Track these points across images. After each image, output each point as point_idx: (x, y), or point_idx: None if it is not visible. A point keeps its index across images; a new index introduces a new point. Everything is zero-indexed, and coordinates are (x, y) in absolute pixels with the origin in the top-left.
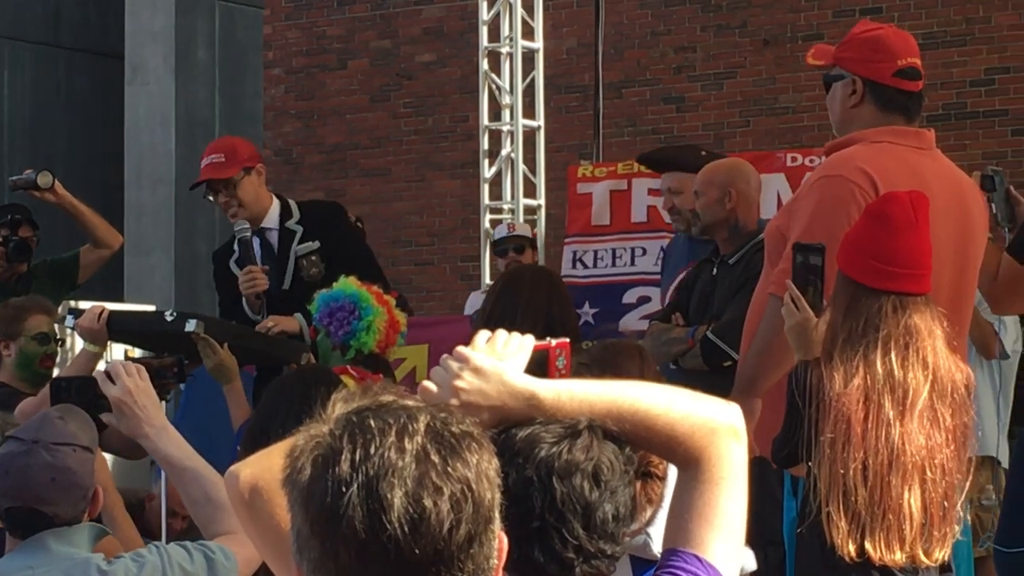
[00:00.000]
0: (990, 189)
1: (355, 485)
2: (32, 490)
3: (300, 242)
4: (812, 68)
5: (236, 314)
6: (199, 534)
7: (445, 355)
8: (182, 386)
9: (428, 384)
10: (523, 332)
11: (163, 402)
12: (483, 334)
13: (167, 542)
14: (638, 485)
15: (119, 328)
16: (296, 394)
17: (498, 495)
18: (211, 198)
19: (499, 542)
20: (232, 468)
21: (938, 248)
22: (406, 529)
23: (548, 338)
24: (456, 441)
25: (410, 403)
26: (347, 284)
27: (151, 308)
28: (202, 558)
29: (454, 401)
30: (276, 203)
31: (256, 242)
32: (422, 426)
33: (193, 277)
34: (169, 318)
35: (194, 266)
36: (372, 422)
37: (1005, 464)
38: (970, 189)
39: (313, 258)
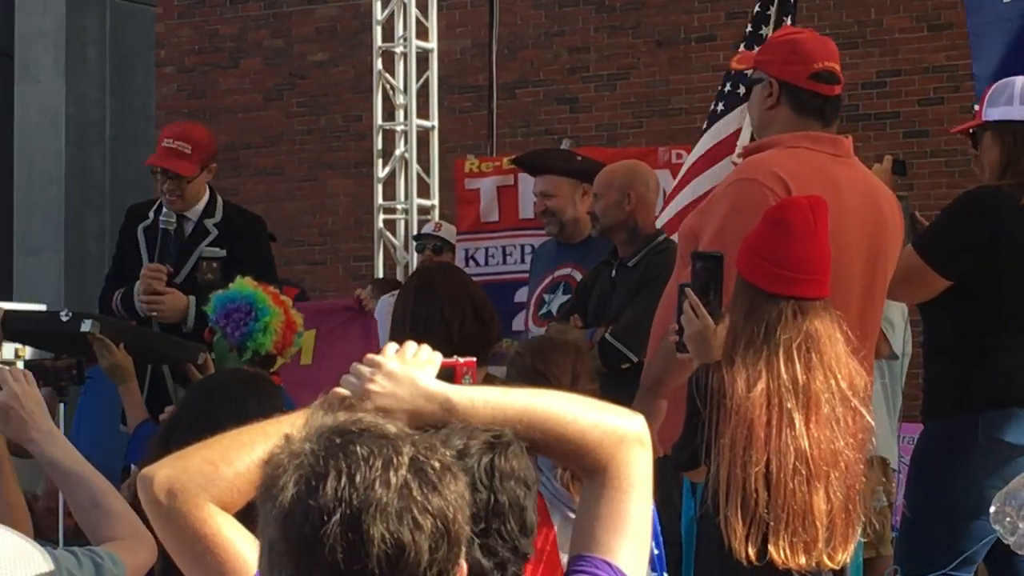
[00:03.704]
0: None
1: (337, 515)
2: None
3: (209, 244)
4: (705, 69)
5: (123, 278)
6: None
7: (355, 363)
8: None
9: (340, 390)
10: (453, 324)
11: (61, 403)
12: (391, 345)
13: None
14: (566, 476)
15: (14, 328)
16: (234, 399)
17: (467, 528)
18: (157, 176)
19: (459, 571)
20: (145, 471)
21: (849, 255)
22: (383, 564)
23: (455, 356)
24: (437, 478)
25: (391, 429)
26: (243, 285)
27: (42, 307)
28: (90, 564)
29: (368, 404)
30: (206, 197)
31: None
32: (406, 459)
33: (83, 276)
34: (64, 318)
35: (84, 265)
36: (357, 448)
37: (894, 464)
38: (886, 198)
39: (214, 264)
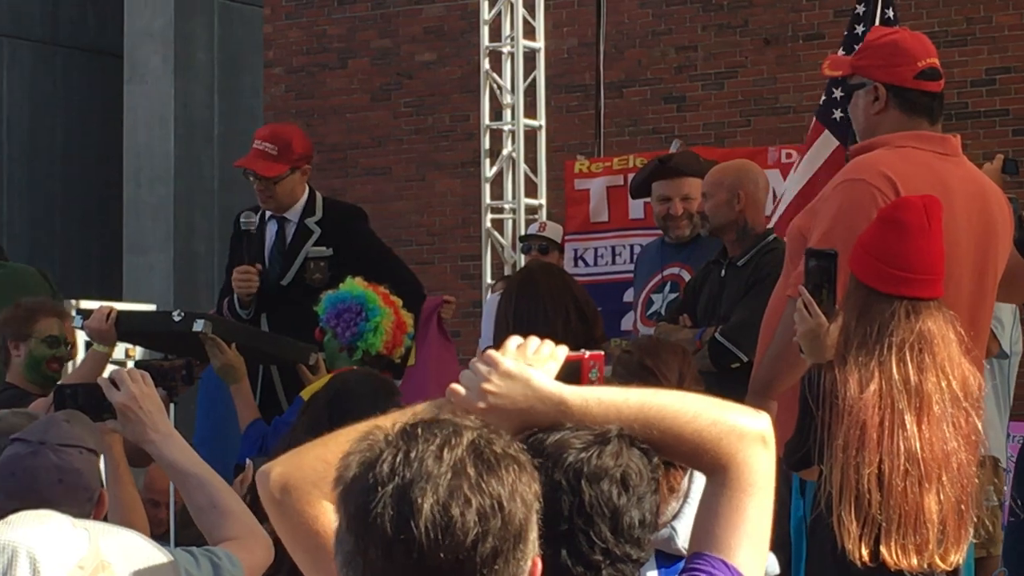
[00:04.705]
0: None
1: (390, 486)
2: (39, 491)
3: (315, 244)
4: (813, 67)
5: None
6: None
7: (474, 359)
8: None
9: (457, 387)
10: (556, 324)
11: (172, 404)
12: (514, 340)
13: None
14: (664, 485)
15: (127, 328)
16: (360, 404)
17: (534, 518)
18: (249, 178)
19: (532, 565)
20: (263, 467)
21: (959, 254)
22: (431, 535)
23: (582, 350)
24: (495, 460)
25: (463, 421)
26: (354, 285)
27: (151, 307)
28: (208, 564)
29: (482, 404)
30: (304, 197)
31: (273, 227)
32: (465, 440)
33: (192, 276)
34: (177, 318)
35: (192, 265)
36: (420, 431)
37: (1005, 464)
38: (995, 197)
39: (321, 263)
